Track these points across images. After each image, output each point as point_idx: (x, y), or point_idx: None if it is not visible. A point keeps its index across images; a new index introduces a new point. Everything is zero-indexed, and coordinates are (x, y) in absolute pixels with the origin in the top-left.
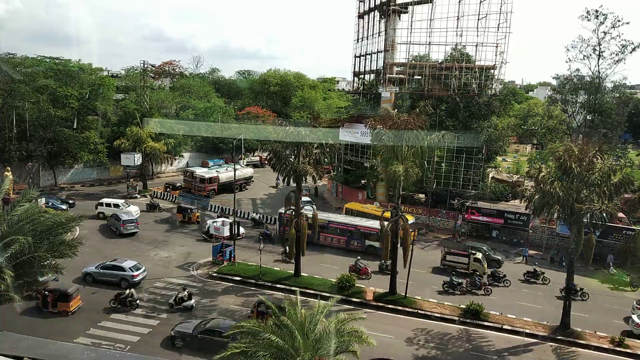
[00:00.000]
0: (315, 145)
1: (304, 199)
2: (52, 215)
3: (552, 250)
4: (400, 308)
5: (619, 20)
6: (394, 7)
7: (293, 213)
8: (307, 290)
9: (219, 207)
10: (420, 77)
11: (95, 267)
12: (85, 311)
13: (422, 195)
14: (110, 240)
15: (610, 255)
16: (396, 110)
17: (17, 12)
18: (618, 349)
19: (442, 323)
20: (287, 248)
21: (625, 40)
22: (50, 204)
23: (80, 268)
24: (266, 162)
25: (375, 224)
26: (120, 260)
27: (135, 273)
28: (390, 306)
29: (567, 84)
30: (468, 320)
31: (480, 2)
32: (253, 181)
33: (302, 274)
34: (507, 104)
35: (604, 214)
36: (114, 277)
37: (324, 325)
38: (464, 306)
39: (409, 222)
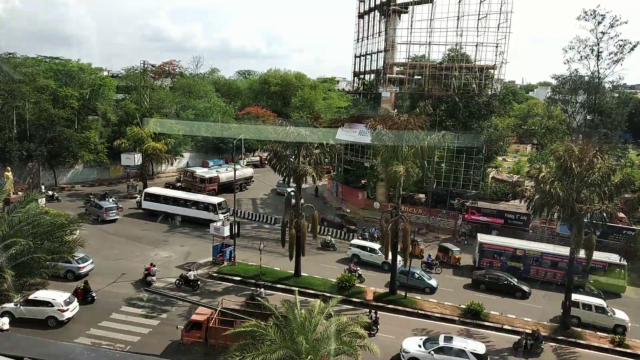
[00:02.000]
0: (316, 145)
1: None
2: (52, 216)
3: None
4: (400, 308)
5: (616, 20)
6: (394, 7)
7: None
8: (308, 290)
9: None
10: (420, 77)
11: None
12: (85, 310)
13: (422, 195)
14: (110, 239)
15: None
16: (396, 110)
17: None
18: (618, 349)
19: (442, 323)
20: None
21: (623, 40)
22: None
23: None
24: (266, 162)
25: (602, 256)
26: None
27: (82, 265)
28: (390, 306)
29: (566, 83)
30: (468, 320)
31: (481, 2)
32: (253, 181)
33: (302, 273)
34: (507, 104)
35: (604, 214)
36: (59, 268)
37: (325, 326)
38: (464, 306)
39: None
